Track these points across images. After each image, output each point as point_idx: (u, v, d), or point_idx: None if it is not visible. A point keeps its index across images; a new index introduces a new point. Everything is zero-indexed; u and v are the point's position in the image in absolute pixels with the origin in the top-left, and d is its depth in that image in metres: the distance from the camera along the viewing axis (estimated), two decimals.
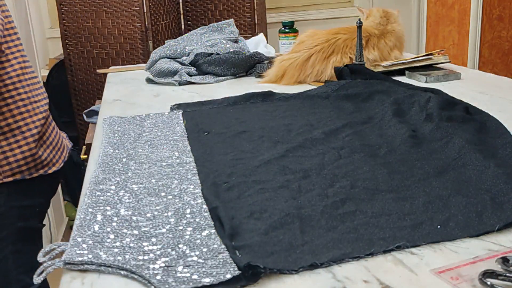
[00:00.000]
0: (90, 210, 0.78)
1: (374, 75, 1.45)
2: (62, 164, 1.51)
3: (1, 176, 1.38)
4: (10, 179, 1.39)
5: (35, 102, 1.45)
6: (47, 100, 1.51)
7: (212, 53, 1.71)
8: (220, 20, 2.82)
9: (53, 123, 1.54)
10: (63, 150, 1.55)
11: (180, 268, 0.63)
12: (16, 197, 1.42)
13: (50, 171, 1.46)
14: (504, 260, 0.59)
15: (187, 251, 0.66)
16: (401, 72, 1.58)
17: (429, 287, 0.58)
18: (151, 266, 0.64)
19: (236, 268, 0.61)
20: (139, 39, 2.77)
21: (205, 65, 1.67)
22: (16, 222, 1.43)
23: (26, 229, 1.46)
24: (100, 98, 1.94)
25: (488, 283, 0.56)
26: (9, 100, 1.38)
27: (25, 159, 1.40)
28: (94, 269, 0.65)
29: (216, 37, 1.82)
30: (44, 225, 1.59)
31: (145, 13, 2.73)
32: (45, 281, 1.55)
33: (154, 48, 2.71)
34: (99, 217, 0.76)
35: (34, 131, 1.42)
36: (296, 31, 2.04)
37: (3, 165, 1.37)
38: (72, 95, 3.05)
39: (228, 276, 0.60)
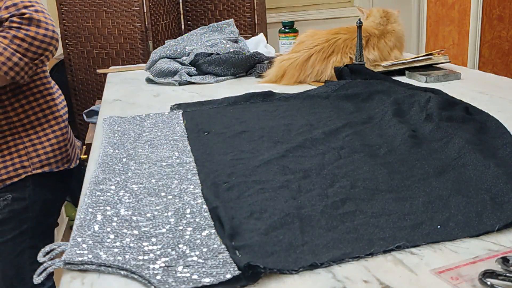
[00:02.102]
0: (90, 210, 0.78)
1: (374, 75, 1.45)
2: (78, 161, 1.54)
3: (30, 168, 1.40)
4: (39, 171, 1.41)
5: (60, 95, 1.51)
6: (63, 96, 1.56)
7: (212, 53, 1.71)
8: (220, 20, 2.83)
9: None
10: (76, 147, 1.58)
11: (180, 268, 0.63)
12: (40, 191, 1.44)
13: (71, 167, 1.49)
14: (504, 260, 0.60)
15: (187, 251, 0.66)
16: (401, 72, 1.58)
17: (429, 287, 0.58)
18: (151, 266, 0.64)
19: (236, 268, 0.61)
20: (139, 39, 2.77)
21: (205, 65, 1.67)
22: (38, 217, 1.45)
23: (45, 224, 1.49)
24: (100, 98, 1.95)
25: (488, 283, 0.56)
26: (38, 95, 1.42)
27: (54, 151, 1.43)
28: (94, 269, 0.65)
29: (216, 37, 1.82)
30: (58, 223, 1.61)
31: (145, 13, 2.73)
32: (52, 281, 1.56)
33: (154, 48, 2.71)
34: (99, 217, 0.76)
35: (62, 124, 1.47)
36: (296, 31, 2.04)
37: (32, 157, 1.40)
38: (72, 95, 3.05)
39: (228, 276, 0.60)
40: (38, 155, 1.41)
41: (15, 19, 1.24)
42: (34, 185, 1.42)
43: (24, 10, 1.25)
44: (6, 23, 1.25)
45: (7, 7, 1.25)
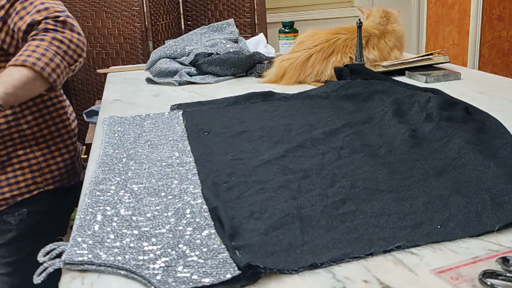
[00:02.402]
0: (90, 210, 0.78)
1: (374, 75, 1.45)
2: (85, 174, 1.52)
3: (43, 184, 1.35)
4: (51, 187, 1.36)
5: (69, 106, 1.46)
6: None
7: (212, 53, 1.71)
8: (220, 20, 2.83)
9: None
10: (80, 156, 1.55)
11: (180, 268, 0.63)
12: (55, 204, 1.39)
13: (81, 179, 1.46)
14: (504, 260, 0.60)
15: (187, 251, 0.66)
16: (401, 72, 1.58)
17: (429, 287, 0.58)
18: (151, 266, 0.64)
19: (236, 268, 0.61)
20: (139, 39, 2.77)
21: (205, 65, 1.67)
22: (54, 229, 1.42)
23: (60, 236, 1.45)
24: (100, 98, 1.95)
25: (488, 283, 0.56)
26: (51, 108, 1.38)
27: (67, 167, 1.39)
28: (94, 269, 0.65)
29: (216, 37, 1.82)
30: (67, 232, 1.59)
31: (145, 13, 2.73)
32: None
33: (154, 48, 2.71)
34: (99, 217, 0.76)
35: (74, 139, 1.42)
36: (296, 31, 2.04)
37: (45, 172, 1.35)
38: (72, 95, 3.05)
39: (228, 276, 0.60)
40: (51, 170, 1.36)
41: (50, 21, 1.21)
42: (48, 199, 1.37)
43: (58, 14, 1.23)
44: (41, 26, 1.21)
45: (38, 11, 1.22)
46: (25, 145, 1.33)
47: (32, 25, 1.21)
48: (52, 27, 1.21)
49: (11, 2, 1.22)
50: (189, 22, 3.09)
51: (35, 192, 1.34)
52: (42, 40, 1.19)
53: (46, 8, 1.23)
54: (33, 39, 1.19)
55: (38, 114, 1.35)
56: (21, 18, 1.21)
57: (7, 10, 1.21)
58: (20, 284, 1.39)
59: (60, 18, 1.23)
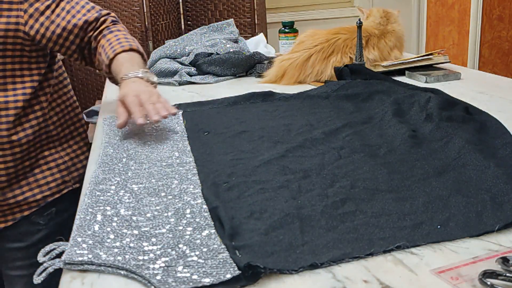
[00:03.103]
0: (90, 210, 0.78)
1: (374, 75, 1.45)
2: None
3: (71, 182, 1.36)
4: (78, 185, 1.37)
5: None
6: None
7: (212, 53, 1.71)
8: (220, 20, 2.83)
9: None
10: None
11: (180, 268, 0.63)
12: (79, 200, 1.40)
13: None
14: (504, 260, 0.59)
15: (187, 251, 0.66)
16: (401, 72, 1.58)
17: (429, 287, 0.58)
18: (151, 266, 0.64)
19: (236, 268, 0.61)
20: (139, 39, 2.77)
21: (205, 65, 1.67)
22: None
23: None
24: (100, 98, 1.95)
25: (488, 283, 0.56)
26: (70, 108, 1.39)
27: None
28: (94, 269, 0.65)
29: (216, 37, 1.82)
30: None
31: (145, 13, 2.73)
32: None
33: (154, 48, 2.71)
34: (99, 217, 0.76)
35: (90, 134, 1.45)
36: (296, 31, 2.04)
37: (72, 171, 1.36)
38: None
39: (228, 276, 0.60)
40: (77, 169, 1.37)
41: (108, 17, 1.26)
42: (75, 196, 1.35)
43: (107, 11, 1.27)
44: (108, 19, 1.25)
45: (89, 10, 1.26)
46: (50, 146, 1.33)
47: (89, 22, 1.25)
48: (116, 20, 1.26)
49: (57, 1, 1.24)
50: (189, 22, 3.09)
51: (65, 191, 1.35)
52: (119, 30, 1.23)
53: (93, 7, 1.28)
54: (110, 31, 1.24)
55: (61, 115, 1.36)
56: (73, 16, 1.24)
57: (53, 10, 1.23)
58: (44, 285, 1.38)
59: (112, 14, 1.28)
